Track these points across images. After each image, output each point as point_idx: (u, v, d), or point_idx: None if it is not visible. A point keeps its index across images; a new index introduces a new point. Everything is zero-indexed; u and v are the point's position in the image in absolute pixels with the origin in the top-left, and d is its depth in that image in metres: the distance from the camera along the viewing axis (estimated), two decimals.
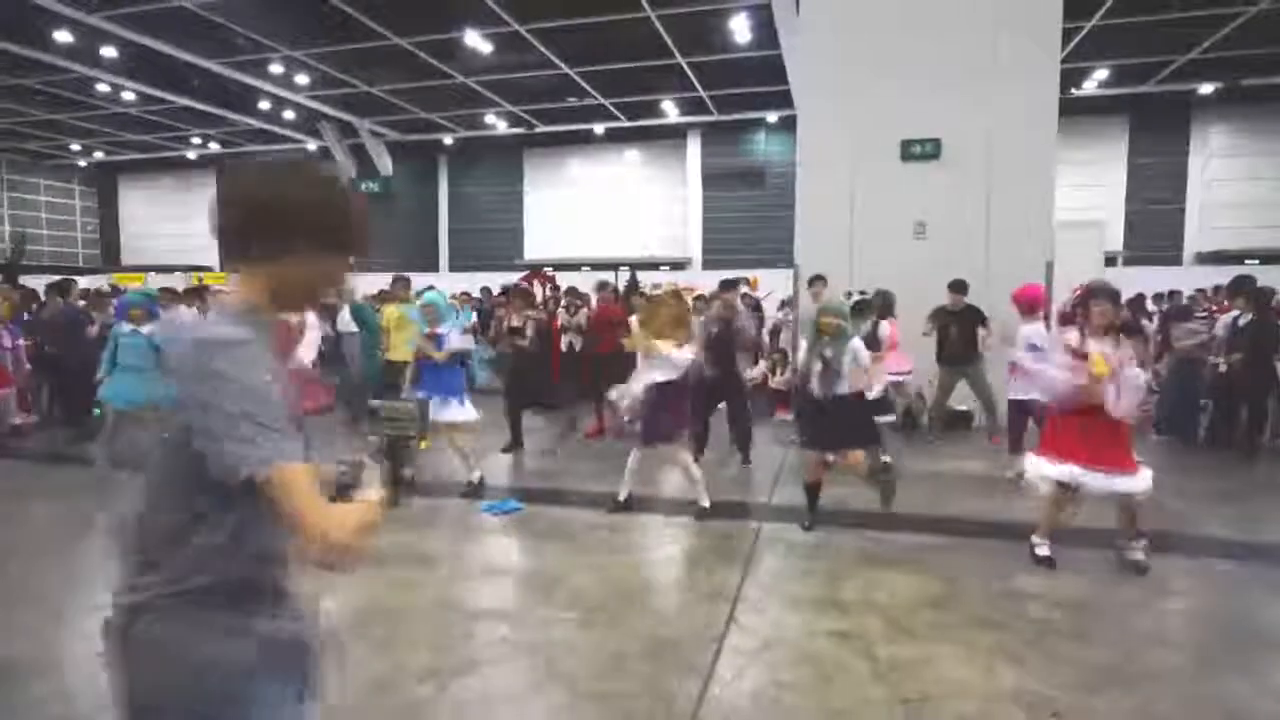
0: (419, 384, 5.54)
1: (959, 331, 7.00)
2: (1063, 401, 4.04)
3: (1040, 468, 4.08)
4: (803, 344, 5.01)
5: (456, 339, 5.62)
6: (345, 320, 8.53)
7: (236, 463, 1.09)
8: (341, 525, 1.13)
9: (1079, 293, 4.29)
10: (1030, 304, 5.83)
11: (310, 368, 5.70)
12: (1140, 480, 3.96)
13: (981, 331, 6.91)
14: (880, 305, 6.90)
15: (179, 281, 15.05)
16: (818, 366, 4.59)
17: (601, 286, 9.45)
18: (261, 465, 1.09)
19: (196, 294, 9.32)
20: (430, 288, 10.20)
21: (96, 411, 6.26)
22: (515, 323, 6.80)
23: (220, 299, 1.25)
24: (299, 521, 1.10)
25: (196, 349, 1.14)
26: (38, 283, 11.85)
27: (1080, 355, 3.99)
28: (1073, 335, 4.09)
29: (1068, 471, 3.96)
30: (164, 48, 14.01)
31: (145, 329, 5.92)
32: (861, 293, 6.94)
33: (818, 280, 7.22)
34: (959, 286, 7.03)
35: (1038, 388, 4.39)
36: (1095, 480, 3.95)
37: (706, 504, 5.02)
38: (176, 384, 1.17)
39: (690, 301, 6.83)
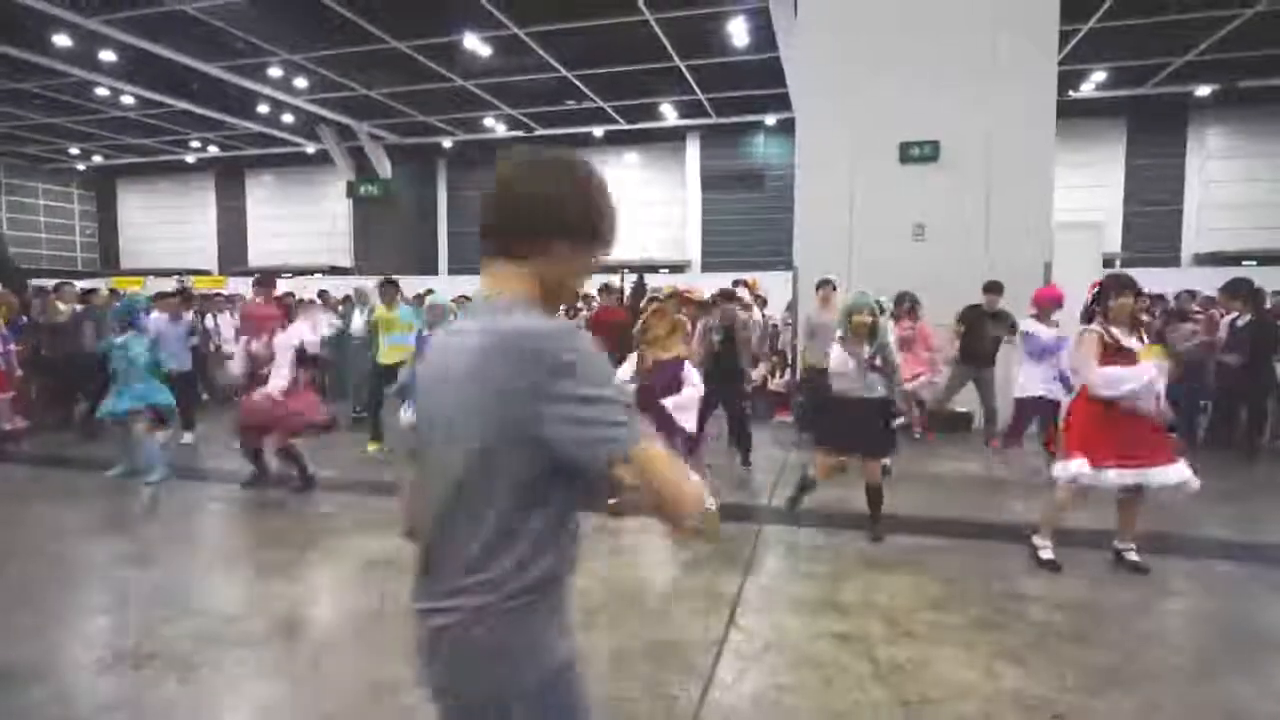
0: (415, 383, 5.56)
1: (991, 331, 6.96)
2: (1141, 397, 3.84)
3: (1098, 477, 3.90)
4: (805, 343, 4.98)
5: None
6: (358, 325, 8.57)
7: (605, 446, 1.09)
8: (700, 496, 1.15)
9: (1094, 287, 4.21)
10: (1052, 304, 5.78)
11: (285, 391, 5.62)
12: (1186, 470, 3.93)
13: (1009, 341, 6.86)
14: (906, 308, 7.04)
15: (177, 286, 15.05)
16: (851, 365, 4.46)
17: (605, 290, 9.43)
18: (626, 445, 1.09)
19: (184, 299, 9.29)
20: (429, 291, 10.20)
21: (98, 412, 6.29)
22: None
23: (489, 294, 1.24)
24: (667, 495, 1.12)
25: (528, 340, 1.11)
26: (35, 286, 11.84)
27: (1126, 350, 3.90)
28: (1099, 330, 3.96)
29: (1131, 475, 3.87)
30: (163, 51, 14.02)
31: (119, 340, 5.95)
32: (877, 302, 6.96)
33: (825, 284, 7.20)
34: (995, 288, 6.99)
35: (1124, 393, 3.89)
36: (1153, 477, 3.88)
37: (712, 508, 5.01)
38: (496, 380, 1.11)
39: (685, 308, 6.75)
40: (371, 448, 7.09)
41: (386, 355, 7.14)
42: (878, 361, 4.47)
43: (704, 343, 6.25)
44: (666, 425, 4.95)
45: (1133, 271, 4.88)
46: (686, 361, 5.07)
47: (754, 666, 3.06)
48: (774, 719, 2.71)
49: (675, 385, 4.94)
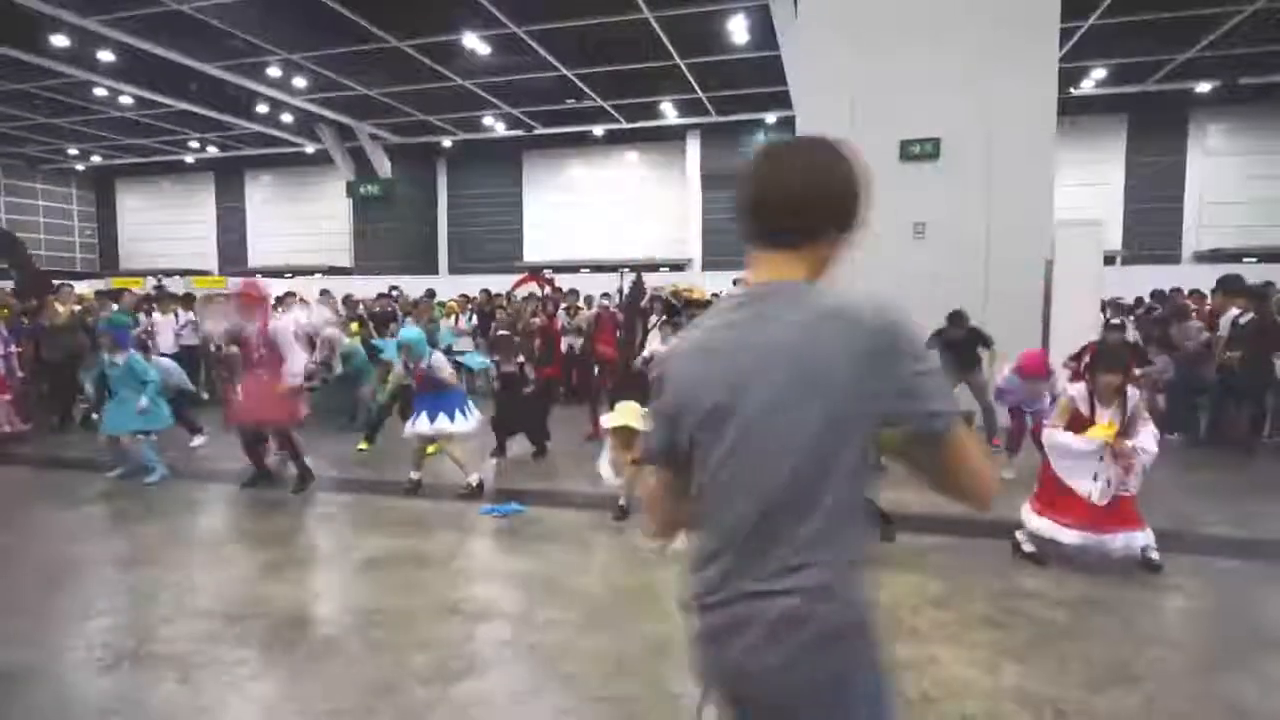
0: (418, 402, 5.61)
1: (958, 354, 6.90)
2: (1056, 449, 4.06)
3: (1041, 528, 4.08)
4: None
5: (441, 368, 5.60)
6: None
7: (942, 419, 1.14)
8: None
9: (1090, 352, 4.28)
10: (1035, 377, 5.68)
11: (297, 386, 5.65)
12: (1141, 536, 3.99)
13: (984, 352, 6.84)
14: None
15: (176, 286, 15.03)
16: None
17: (604, 298, 9.45)
18: (954, 417, 1.14)
19: (163, 299, 9.26)
20: (430, 292, 10.20)
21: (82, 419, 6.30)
22: (508, 369, 6.82)
23: (769, 281, 1.24)
24: (975, 467, 1.18)
25: (864, 319, 1.14)
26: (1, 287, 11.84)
27: (1084, 418, 4.05)
28: (1074, 396, 4.14)
29: (1069, 535, 3.98)
30: (162, 52, 14.01)
31: (120, 358, 5.98)
32: None
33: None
34: (958, 319, 6.89)
35: (1058, 461, 4.11)
36: (1109, 543, 3.96)
37: None
38: (835, 361, 1.13)
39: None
40: (363, 446, 7.10)
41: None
42: None
43: None
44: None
45: (1133, 269, 4.89)
46: None
47: None
48: None
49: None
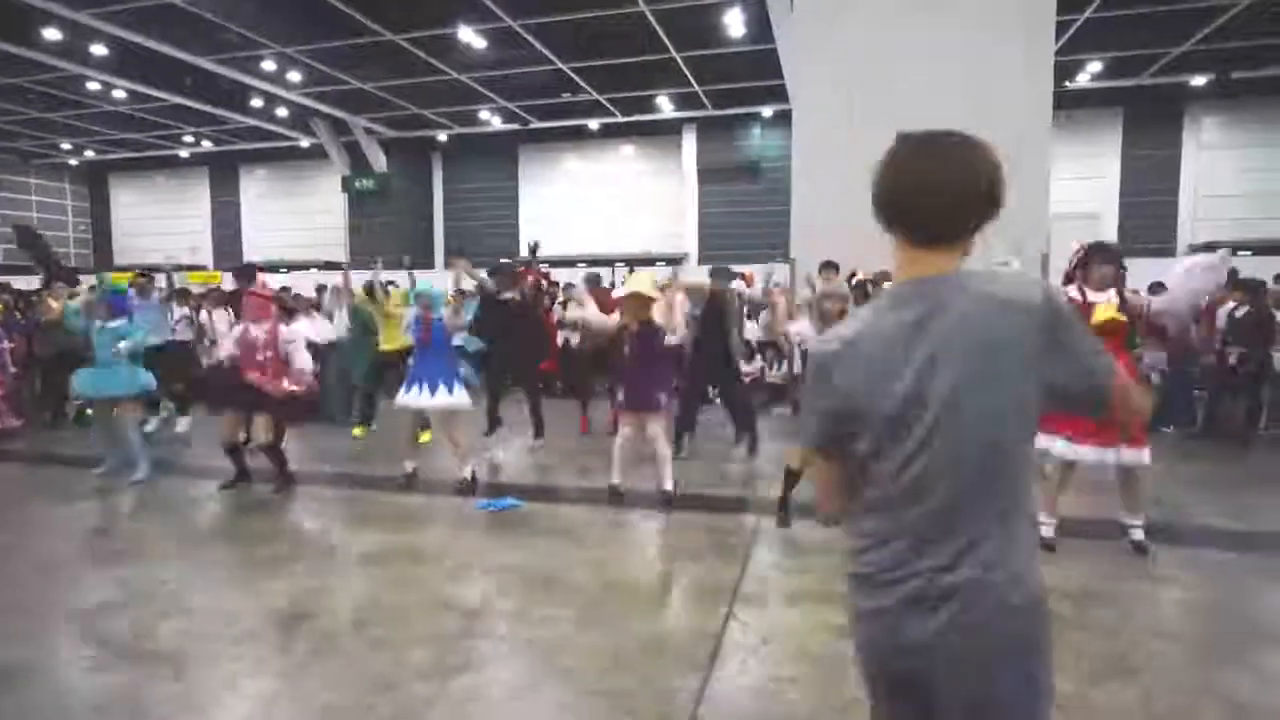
0: (413, 371, 5.54)
1: None
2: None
3: (1062, 451, 4.07)
4: (805, 328, 4.95)
5: (448, 321, 5.58)
6: (342, 320, 8.52)
7: (1108, 377, 1.27)
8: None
9: (1079, 251, 4.27)
10: None
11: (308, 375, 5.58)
12: (1142, 454, 3.99)
13: None
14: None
15: (173, 281, 14.93)
16: (812, 332, 4.62)
17: (593, 280, 9.35)
18: (1112, 375, 1.28)
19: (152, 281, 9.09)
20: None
21: (76, 415, 6.20)
22: (509, 295, 6.72)
23: (934, 275, 1.30)
24: (1136, 404, 1.33)
25: (1040, 296, 1.25)
26: (27, 283, 11.79)
27: (1089, 304, 4.00)
28: (1073, 289, 4.12)
29: (1059, 446, 4.02)
30: (155, 45, 13.91)
31: (113, 324, 5.87)
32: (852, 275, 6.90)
33: (828, 267, 7.20)
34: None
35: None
36: (1092, 455, 3.99)
37: (669, 487, 5.05)
38: (1027, 336, 1.23)
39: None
40: (358, 432, 7.07)
41: (390, 341, 7.12)
42: None
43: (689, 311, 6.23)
44: (644, 395, 5.01)
45: (1130, 261, 4.90)
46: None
47: (753, 659, 3.06)
48: (773, 711, 2.71)
49: (653, 351, 5.00)
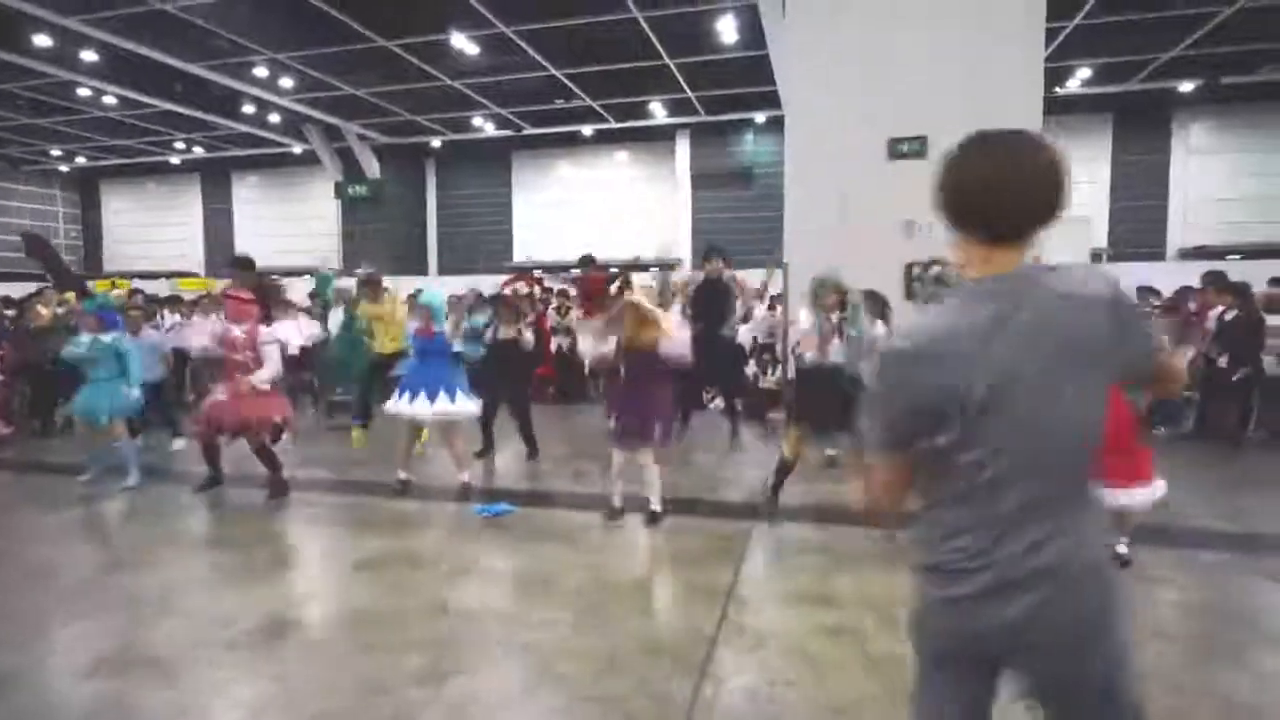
0: (410, 378, 5.48)
1: None
2: None
3: None
4: (805, 317, 4.77)
5: (448, 334, 5.57)
6: (336, 321, 8.51)
7: (1156, 348, 1.39)
8: None
9: None
10: None
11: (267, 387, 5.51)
12: (1145, 492, 3.86)
13: None
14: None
15: (163, 288, 14.91)
16: (812, 327, 4.48)
17: (587, 262, 9.21)
18: (1160, 340, 1.41)
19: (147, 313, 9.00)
20: (419, 292, 10.11)
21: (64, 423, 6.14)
22: (506, 335, 6.62)
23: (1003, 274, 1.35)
24: (1177, 369, 1.50)
25: (1112, 284, 1.34)
26: (18, 290, 11.70)
27: None
28: None
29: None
30: (146, 51, 13.88)
31: (106, 338, 5.83)
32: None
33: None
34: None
35: None
36: (1119, 498, 3.80)
37: (657, 508, 4.86)
38: (1106, 321, 1.30)
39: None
40: (355, 434, 7.03)
41: (387, 345, 7.08)
42: (849, 331, 4.49)
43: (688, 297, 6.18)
44: (640, 425, 4.78)
45: (1120, 266, 4.92)
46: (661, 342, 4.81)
47: (748, 661, 3.05)
48: (768, 713, 2.70)
49: (651, 374, 4.77)
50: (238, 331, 5.42)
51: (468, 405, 5.51)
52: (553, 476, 6.18)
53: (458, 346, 5.79)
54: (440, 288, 8.00)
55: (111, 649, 3.20)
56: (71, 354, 5.88)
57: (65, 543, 4.72)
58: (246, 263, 6.63)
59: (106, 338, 5.82)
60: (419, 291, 10.79)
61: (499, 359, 6.50)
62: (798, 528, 4.67)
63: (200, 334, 5.60)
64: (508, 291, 11.45)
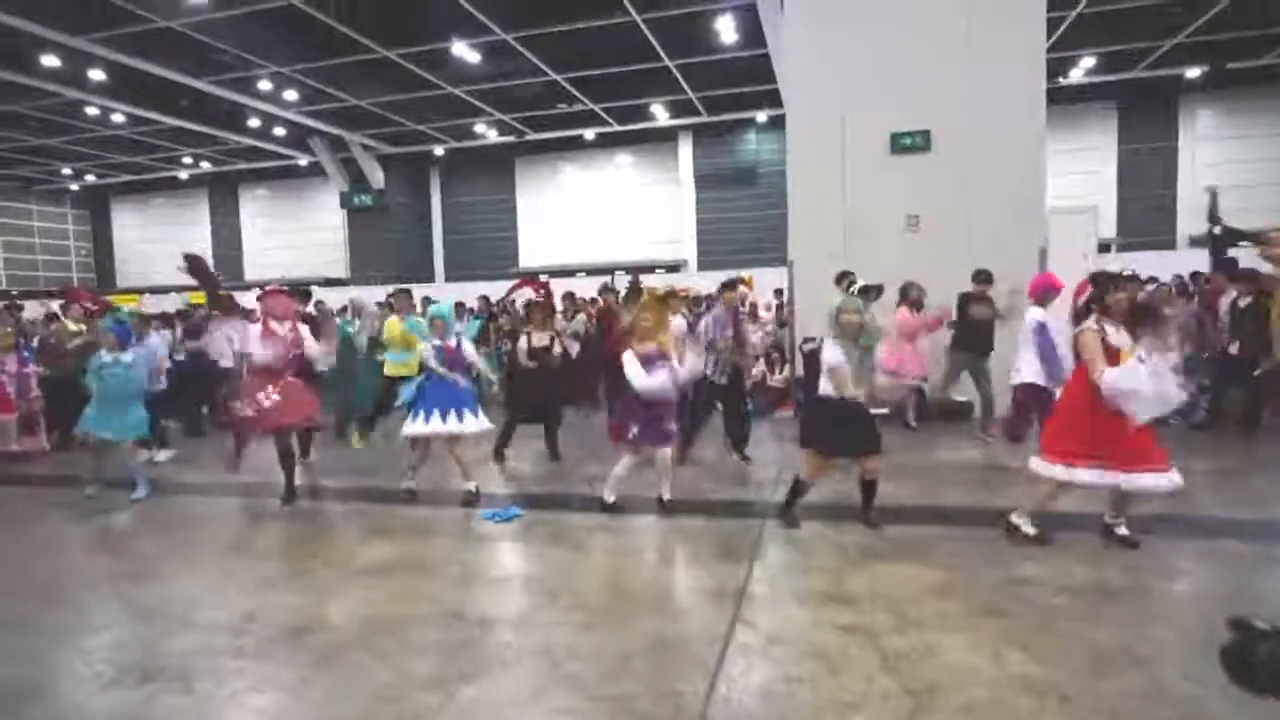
0: (424, 396, 5.49)
1: (981, 335, 6.97)
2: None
3: (1073, 474, 3.93)
4: (830, 349, 4.66)
5: (469, 351, 5.60)
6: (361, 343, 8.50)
7: None
8: None
9: (1083, 288, 4.19)
10: (1052, 293, 5.72)
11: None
12: (1167, 479, 3.86)
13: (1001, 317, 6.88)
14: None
15: (173, 303, 15.01)
16: (844, 360, 4.37)
17: (603, 290, 9.43)
18: None
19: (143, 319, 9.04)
20: (427, 300, 10.19)
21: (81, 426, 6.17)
22: (540, 342, 6.63)
23: None
24: None
25: None
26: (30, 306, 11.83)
27: (1113, 349, 3.85)
28: (1097, 329, 3.93)
29: (1109, 477, 3.87)
30: (152, 68, 14.03)
31: (126, 356, 5.88)
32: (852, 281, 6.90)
33: (845, 277, 7.21)
34: (983, 277, 7.05)
35: (1125, 391, 3.73)
36: (1133, 481, 3.85)
37: (668, 496, 5.02)
38: None
39: (676, 303, 6.66)
40: (356, 437, 7.07)
41: (391, 368, 7.14)
42: (865, 366, 4.46)
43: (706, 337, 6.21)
44: (657, 427, 4.88)
45: (1128, 255, 4.90)
46: (669, 356, 4.89)
47: (761, 660, 3.05)
48: (782, 712, 2.70)
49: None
50: (282, 330, 5.48)
51: (481, 424, 5.54)
52: (561, 480, 6.19)
53: (481, 364, 5.81)
54: (449, 295, 8.05)
55: (129, 659, 3.23)
56: (95, 373, 5.93)
57: (81, 554, 4.77)
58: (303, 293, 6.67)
59: (127, 356, 5.89)
60: (426, 300, 10.87)
61: (534, 373, 6.56)
62: (809, 525, 4.66)
63: (251, 338, 5.55)
64: (517, 297, 11.50)
